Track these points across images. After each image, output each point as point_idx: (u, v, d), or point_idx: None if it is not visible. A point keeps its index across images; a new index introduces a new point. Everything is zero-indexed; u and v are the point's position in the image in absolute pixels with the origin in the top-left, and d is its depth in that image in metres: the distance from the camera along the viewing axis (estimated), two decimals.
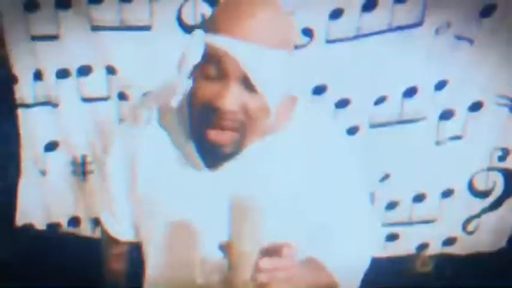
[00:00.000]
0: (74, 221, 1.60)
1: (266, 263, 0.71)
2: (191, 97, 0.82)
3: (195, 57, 0.78)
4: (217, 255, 0.75)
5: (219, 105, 0.77)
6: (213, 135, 0.80)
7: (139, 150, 0.93)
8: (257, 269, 0.71)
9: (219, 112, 0.78)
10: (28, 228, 1.57)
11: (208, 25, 0.80)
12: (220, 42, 0.76)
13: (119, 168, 0.96)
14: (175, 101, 0.82)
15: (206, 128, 0.80)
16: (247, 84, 0.77)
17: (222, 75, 0.78)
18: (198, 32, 0.80)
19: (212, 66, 0.78)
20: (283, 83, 0.81)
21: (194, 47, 0.78)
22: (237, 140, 0.82)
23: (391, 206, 1.55)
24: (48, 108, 1.49)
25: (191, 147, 0.88)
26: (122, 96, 1.47)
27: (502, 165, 1.52)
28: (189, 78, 0.81)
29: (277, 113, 0.82)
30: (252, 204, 0.70)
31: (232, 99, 0.77)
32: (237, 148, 0.83)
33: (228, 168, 0.87)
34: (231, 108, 0.77)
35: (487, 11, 1.35)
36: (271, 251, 0.73)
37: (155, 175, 0.91)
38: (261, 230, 0.71)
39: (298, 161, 0.89)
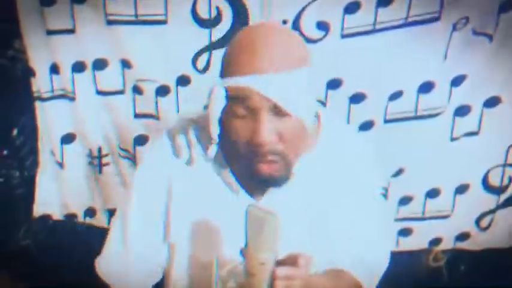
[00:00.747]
0: (90, 212, 1.63)
1: (282, 271, 0.74)
2: (226, 134, 0.84)
3: (220, 103, 0.81)
4: (235, 261, 0.76)
5: (256, 141, 0.79)
6: (263, 168, 0.82)
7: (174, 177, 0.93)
8: (274, 277, 0.73)
9: (259, 147, 0.80)
10: (45, 218, 1.60)
11: (225, 70, 0.83)
12: (243, 82, 0.78)
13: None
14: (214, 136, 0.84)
15: (254, 163, 0.83)
16: (277, 111, 0.79)
17: (252, 112, 0.80)
18: (218, 80, 0.83)
19: (239, 106, 0.80)
20: (311, 99, 0.84)
21: (217, 93, 0.81)
22: (284, 167, 0.84)
23: (405, 200, 1.54)
24: (64, 101, 1.51)
25: (230, 176, 0.91)
26: (136, 90, 1.48)
27: None
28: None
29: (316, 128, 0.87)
30: (269, 213, 0.71)
31: (266, 131, 0.79)
32: (286, 173, 0.86)
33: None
34: (268, 140, 0.79)
35: (505, 6, 1.33)
36: (288, 261, 0.75)
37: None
38: (277, 238, 0.72)
39: (325, 173, 0.91)
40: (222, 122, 0.84)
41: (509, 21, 1.34)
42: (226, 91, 0.80)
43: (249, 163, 0.83)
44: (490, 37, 1.36)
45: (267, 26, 0.94)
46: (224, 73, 0.83)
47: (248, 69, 0.78)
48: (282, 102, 0.78)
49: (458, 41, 1.35)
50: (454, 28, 1.34)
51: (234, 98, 0.80)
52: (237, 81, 0.79)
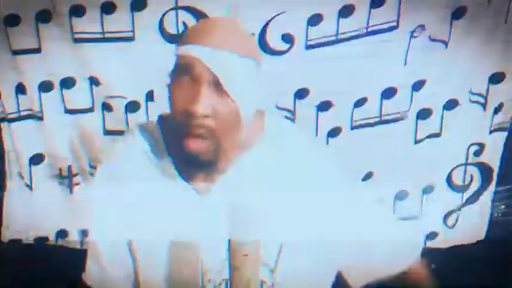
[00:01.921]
0: (62, 234, 1.59)
1: None
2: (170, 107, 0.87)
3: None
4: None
5: (192, 109, 0.81)
6: (190, 143, 0.84)
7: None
8: None
9: (193, 117, 0.81)
10: (16, 243, 1.56)
11: (178, 42, 0.89)
12: (189, 50, 0.84)
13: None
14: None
15: (183, 137, 0.84)
16: (217, 88, 0.82)
17: (194, 81, 0.83)
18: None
19: (184, 75, 0.84)
20: (254, 92, 0.86)
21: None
22: (212, 148, 0.85)
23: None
24: (32, 121, 1.48)
25: (169, 161, 0.91)
26: (105, 107, 1.47)
27: (478, 159, 1.58)
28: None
29: (249, 125, 0.88)
30: (249, 209, 0.72)
31: (204, 103, 0.81)
32: (214, 157, 0.86)
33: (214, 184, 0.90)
34: (203, 112, 0.81)
35: (458, 13, 1.41)
36: None
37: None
38: (257, 231, 0.74)
39: (277, 173, 0.91)
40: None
41: (462, 28, 1.42)
42: (177, 59, 0.86)
43: (181, 138, 0.84)
44: (446, 43, 1.44)
45: (224, 17, 1.00)
46: (178, 43, 0.89)
47: (195, 40, 0.84)
48: (224, 79, 0.81)
49: (416, 48, 1.42)
50: (412, 35, 1.41)
51: (181, 67, 0.85)
52: (184, 49, 0.85)
